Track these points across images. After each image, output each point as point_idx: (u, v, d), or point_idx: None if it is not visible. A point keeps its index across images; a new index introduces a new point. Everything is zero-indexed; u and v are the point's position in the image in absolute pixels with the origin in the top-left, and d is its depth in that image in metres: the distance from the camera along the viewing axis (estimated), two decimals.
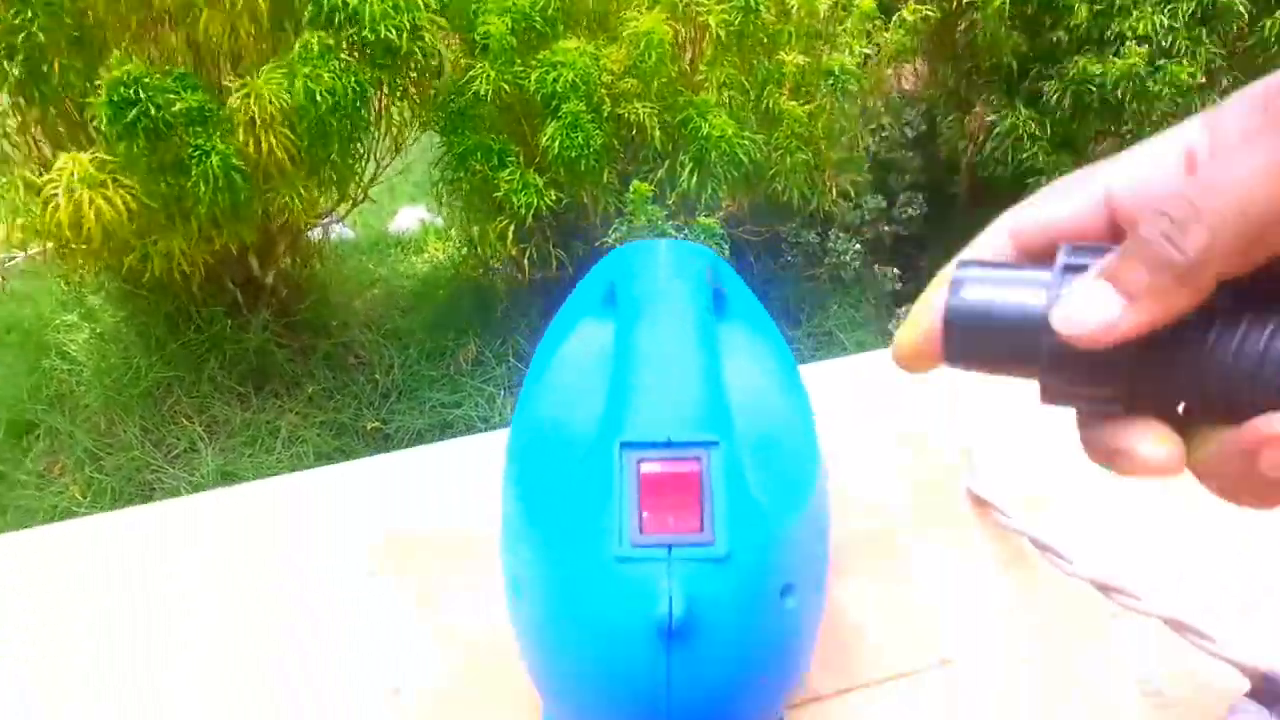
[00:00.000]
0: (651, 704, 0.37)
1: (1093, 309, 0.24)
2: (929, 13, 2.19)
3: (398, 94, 1.86)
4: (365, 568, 0.58)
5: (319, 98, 1.57)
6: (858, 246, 2.50)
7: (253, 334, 2.05)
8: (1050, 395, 0.26)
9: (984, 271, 0.27)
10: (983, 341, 0.26)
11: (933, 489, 0.64)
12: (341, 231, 3.02)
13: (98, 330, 2.13)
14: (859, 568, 0.58)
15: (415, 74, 1.79)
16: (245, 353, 2.06)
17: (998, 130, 2.29)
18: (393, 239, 3.17)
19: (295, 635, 0.55)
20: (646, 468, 0.37)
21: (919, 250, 2.65)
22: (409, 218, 3.36)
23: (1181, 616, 0.50)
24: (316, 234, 2.36)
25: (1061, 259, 0.25)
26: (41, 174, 1.52)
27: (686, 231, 1.71)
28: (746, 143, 1.80)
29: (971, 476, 0.64)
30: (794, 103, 1.93)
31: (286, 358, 2.10)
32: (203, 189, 1.50)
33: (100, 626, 0.55)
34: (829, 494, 0.45)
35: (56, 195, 1.44)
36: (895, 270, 2.57)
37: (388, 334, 2.31)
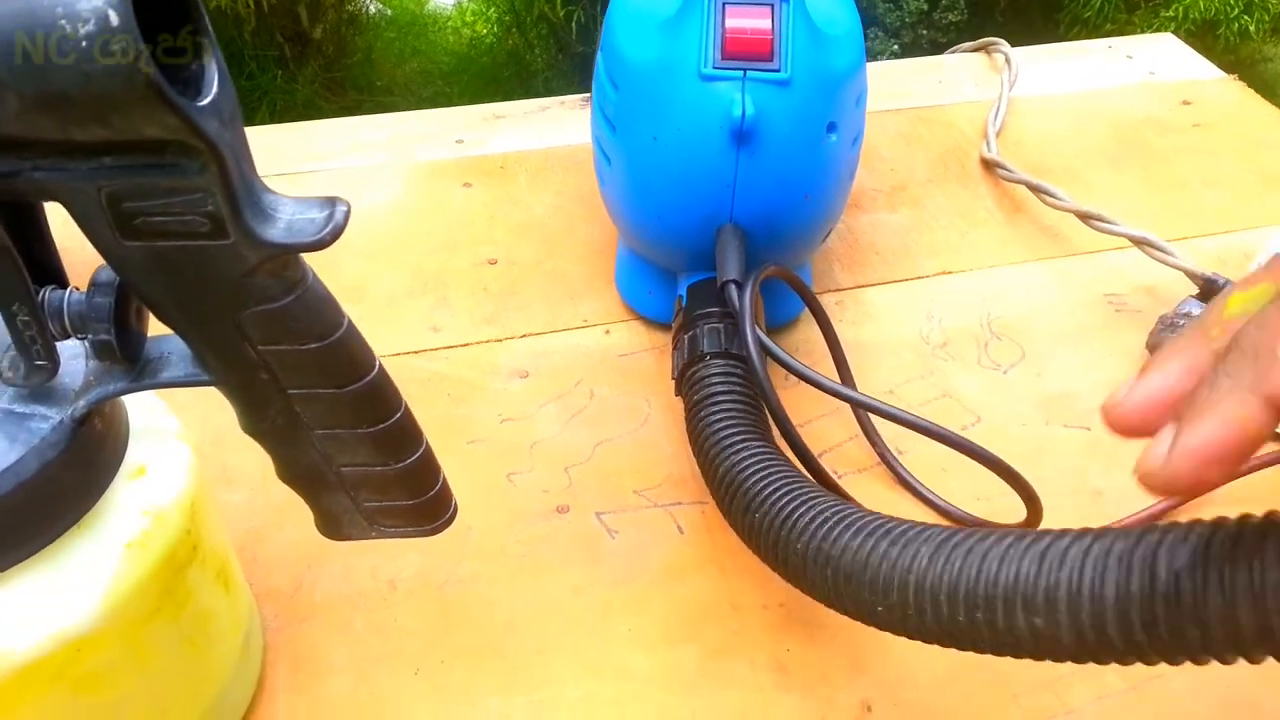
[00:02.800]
0: (720, 198, 0.48)
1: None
2: None
3: None
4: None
5: None
6: (895, 47, 2.52)
7: (301, 86, 2.12)
8: None
9: None
10: None
11: (948, 155, 0.74)
12: (376, 8, 3.03)
13: None
14: (878, 205, 0.69)
15: None
16: (294, 104, 2.14)
17: None
18: (429, 18, 3.18)
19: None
20: (731, 8, 0.46)
21: None
22: None
23: (1147, 236, 0.61)
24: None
25: None
26: None
27: None
28: None
29: (985, 146, 0.74)
30: None
31: (331, 113, 2.18)
32: None
33: None
34: (866, 96, 0.54)
35: None
36: None
37: (428, 100, 2.37)
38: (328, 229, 0.25)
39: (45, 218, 0.27)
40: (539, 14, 2.01)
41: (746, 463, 0.41)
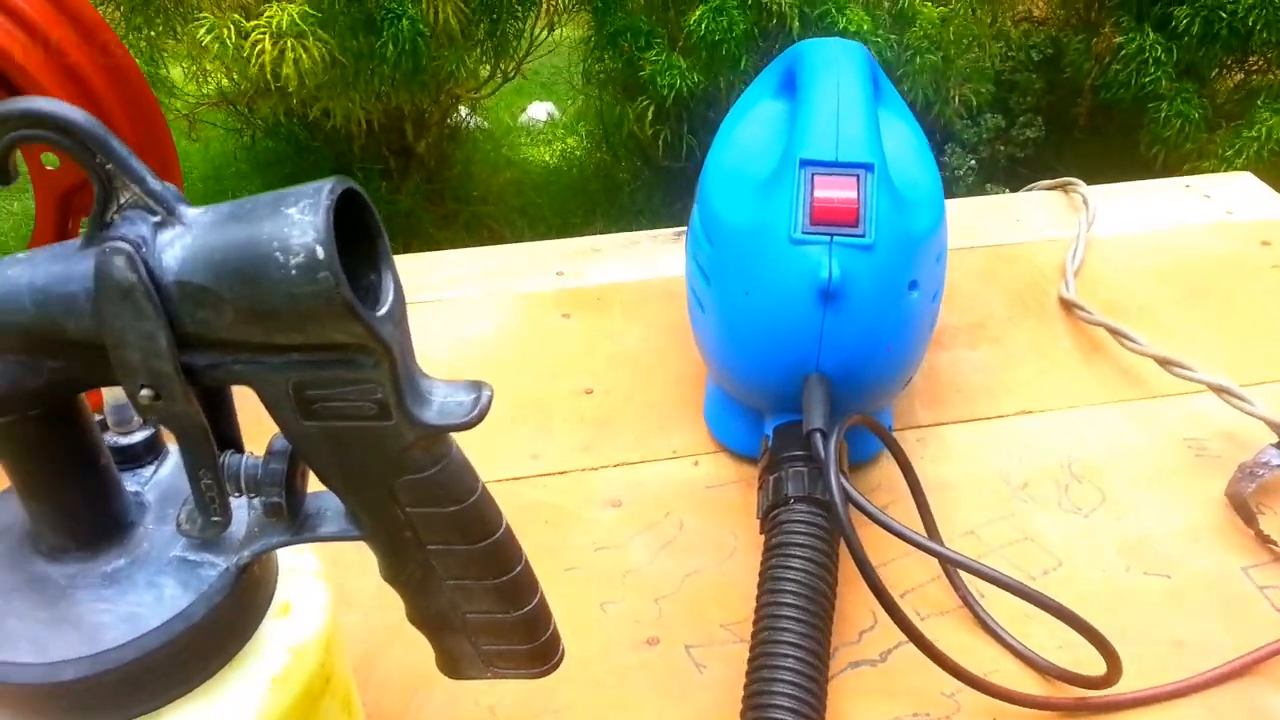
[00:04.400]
0: (807, 350, 0.52)
1: None
2: None
3: None
4: None
5: None
6: (973, 163, 2.56)
7: (404, 197, 2.25)
8: None
9: None
10: None
11: (1026, 293, 0.77)
12: (475, 122, 3.19)
13: (268, 181, 2.36)
14: (958, 342, 0.71)
15: None
16: (397, 213, 2.26)
17: (1124, 52, 2.31)
18: (521, 129, 3.34)
19: None
20: (819, 178, 0.50)
21: (1033, 173, 2.69)
22: (538, 111, 3.52)
23: (1226, 384, 0.62)
24: (462, 113, 2.52)
25: None
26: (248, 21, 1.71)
27: None
28: (879, 40, 1.89)
29: (1064, 285, 0.76)
30: (929, 4, 2.00)
31: (431, 222, 2.30)
32: (390, 50, 1.68)
33: None
34: (947, 252, 0.58)
35: (263, 40, 1.63)
36: (1007, 190, 2.62)
37: (519, 210, 2.48)
38: (474, 411, 0.29)
39: (231, 396, 0.31)
40: (628, 132, 2.11)
41: (773, 658, 0.44)
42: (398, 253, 0.79)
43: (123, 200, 0.27)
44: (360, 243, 0.28)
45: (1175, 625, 0.52)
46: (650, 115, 2.03)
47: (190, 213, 0.27)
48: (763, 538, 0.51)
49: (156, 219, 0.27)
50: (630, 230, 0.84)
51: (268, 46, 1.63)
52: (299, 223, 0.26)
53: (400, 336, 0.28)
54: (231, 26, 1.65)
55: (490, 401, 0.30)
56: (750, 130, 0.58)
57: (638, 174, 2.39)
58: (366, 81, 1.79)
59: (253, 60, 1.64)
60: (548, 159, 2.96)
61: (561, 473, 0.61)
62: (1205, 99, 2.38)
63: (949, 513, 0.58)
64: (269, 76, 1.65)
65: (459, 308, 0.75)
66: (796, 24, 1.89)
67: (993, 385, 0.68)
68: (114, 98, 0.49)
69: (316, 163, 2.26)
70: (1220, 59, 2.40)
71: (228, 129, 2.51)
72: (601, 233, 0.84)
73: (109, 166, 0.26)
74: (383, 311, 0.28)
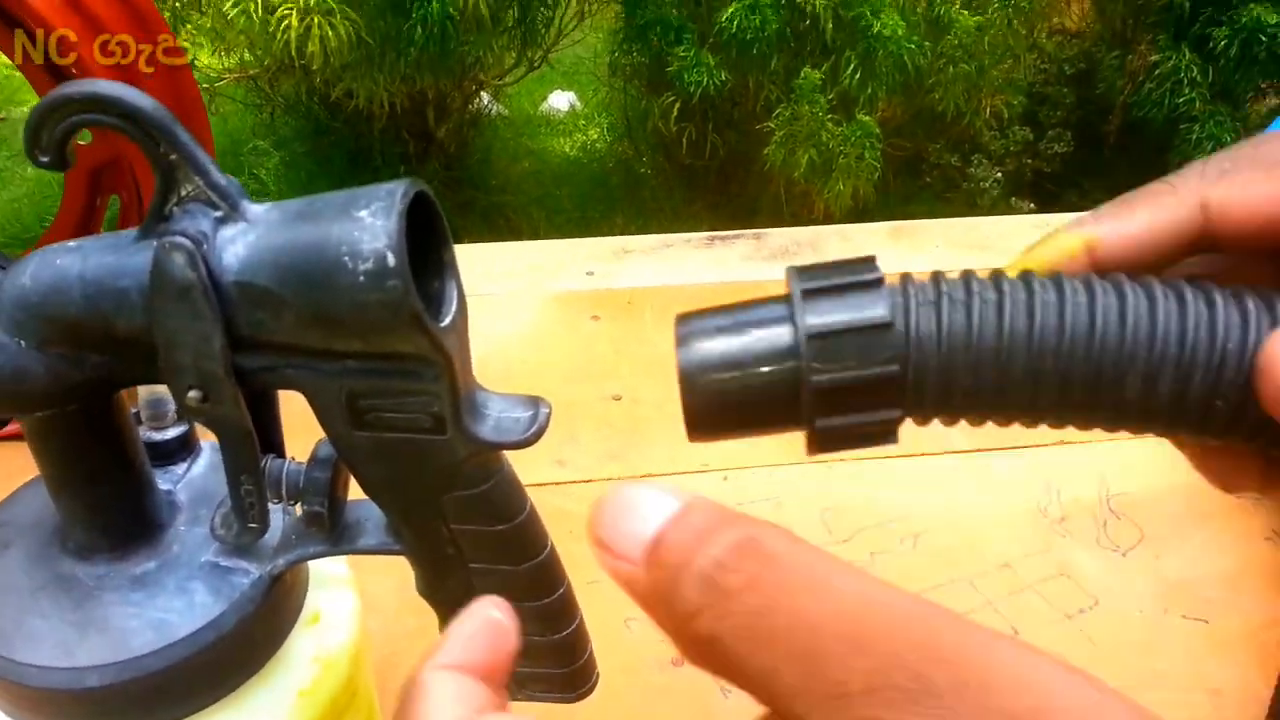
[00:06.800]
0: None
1: None
2: None
3: None
4: None
5: None
6: (999, 175, 2.54)
7: (423, 181, 2.23)
8: (823, 443, 0.23)
9: (711, 320, 0.23)
10: (733, 399, 0.23)
11: None
12: (496, 109, 3.17)
13: (286, 158, 2.35)
14: None
15: None
16: None
17: (1158, 70, 2.29)
18: (541, 119, 3.32)
19: None
20: None
21: (1059, 187, 2.68)
22: (559, 100, 3.49)
23: None
24: (484, 100, 2.51)
25: (795, 285, 0.22)
26: None
27: (844, 126, 1.80)
28: (913, 47, 1.87)
29: None
30: (965, 12, 1.99)
31: (449, 209, 2.26)
32: (419, 32, 1.66)
33: None
34: None
35: (290, 16, 1.61)
36: (1032, 205, 2.60)
37: (538, 201, 2.46)
38: (532, 429, 0.28)
39: (278, 399, 0.30)
40: (652, 128, 2.09)
41: None
42: None
43: (184, 192, 0.25)
44: (426, 248, 0.27)
45: (1213, 673, 0.51)
46: (676, 111, 2.02)
47: (254, 209, 0.26)
48: None
49: (218, 214, 0.25)
50: (650, 226, 0.83)
51: (294, 23, 1.61)
52: (370, 226, 0.24)
53: (461, 349, 0.27)
54: (259, 2, 1.63)
55: (548, 419, 0.29)
56: None
57: (660, 170, 2.37)
58: (392, 63, 1.77)
59: (278, 36, 1.62)
60: (567, 150, 2.94)
61: (588, 481, 0.59)
62: (1238, 123, 2.36)
63: (984, 544, 0.56)
64: (294, 53, 1.63)
65: (486, 304, 0.74)
66: (830, 26, 1.87)
67: None
68: (161, 90, 0.47)
69: (335, 143, 2.24)
70: (1256, 83, 2.37)
71: (247, 104, 2.50)
72: (621, 228, 0.83)
73: (173, 157, 0.25)
74: (446, 322, 0.26)
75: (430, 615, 0.34)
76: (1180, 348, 0.21)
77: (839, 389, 0.22)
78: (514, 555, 0.31)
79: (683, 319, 0.23)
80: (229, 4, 1.65)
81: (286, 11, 1.62)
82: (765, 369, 0.22)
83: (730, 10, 1.80)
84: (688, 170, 2.22)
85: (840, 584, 0.15)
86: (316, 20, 1.61)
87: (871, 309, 0.22)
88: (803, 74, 1.78)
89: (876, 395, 0.22)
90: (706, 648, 0.16)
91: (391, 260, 0.24)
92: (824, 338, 0.21)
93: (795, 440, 0.23)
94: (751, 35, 1.78)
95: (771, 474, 0.60)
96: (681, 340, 0.23)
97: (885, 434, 0.22)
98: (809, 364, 0.22)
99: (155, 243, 0.25)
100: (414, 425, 0.27)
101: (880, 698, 0.14)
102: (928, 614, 0.14)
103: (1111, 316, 0.21)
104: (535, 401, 0.29)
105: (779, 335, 0.22)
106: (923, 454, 0.61)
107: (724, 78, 1.87)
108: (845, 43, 1.90)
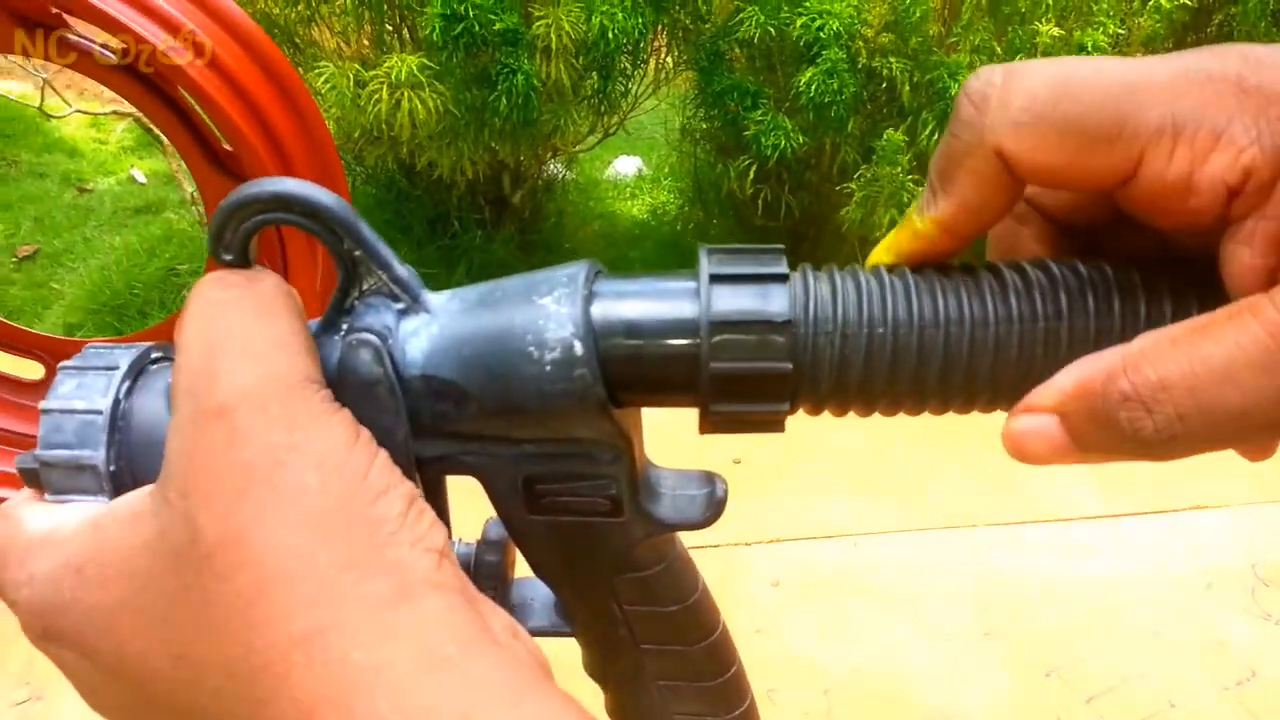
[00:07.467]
0: None
1: (1042, 444, 0.23)
2: (1187, 2, 2.17)
3: (678, 34, 2.01)
4: None
5: (610, 35, 1.74)
6: None
7: (499, 246, 2.27)
8: (715, 425, 0.24)
9: (623, 284, 0.25)
10: (638, 364, 0.24)
11: None
12: (567, 175, 3.23)
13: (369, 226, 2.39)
14: None
15: (688, 18, 1.94)
16: (491, 263, 2.28)
17: None
18: (609, 183, 3.36)
19: None
20: None
21: None
22: (627, 165, 3.54)
23: None
24: (555, 167, 2.56)
25: (706, 267, 0.24)
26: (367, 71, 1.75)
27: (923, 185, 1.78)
28: None
29: None
30: None
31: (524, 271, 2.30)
32: (503, 103, 1.70)
33: None
34: None
35: (380, 90, 1.66)
36: None
37: (610, 263, 2.48)
38: (710, 510, 0.28)
39: (446, 481, 0.30)
40: (726, 191, 2.10)
41: None
42: None
43: (365, 286, 0.25)
44: None
45: None
46: (752, 174, 2.03)
47: (434, 300, 0.26)
48: None
49: (400, 306, 0.25)
50: None
51: (384, 96, 1.66)
52: (555, 315, 0.24)
53: (636, 429, 0.27)
54: (350, 76, 1.68)
55: (725, 496, 0.28)
56: None
57: (731, 232, 2.38)
58: (476, 133, 1.81)
59: (368, 109, 1.67)
60: (635, 213, 2.97)
61: (714, 546, 0.59)
62: None
63: (1130, 611, 0.54)
64: (383, 125, 1.68)
65: None
66: (907, 89, 1.88)
67: (1160, 474, 0.64)
68: (288, 126, 0.48)
69: (415, 210, 2.29)
70: None
71: None
72: None
73: (357, 253, 0.25)
74: (624, 405, 0.26)
75: None
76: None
77: (735, 378, 0.23)
78: (687, 636, 0.30)
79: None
80: (321, 80, 1.71)
81: (377, 86, 1.67)
82: (668, 342, 0.23)
83: (808, 75, 1.81)
84: (760, 231, 2.22)
85: None
86: (406, 94, 1.66)
87: (774, 304, 0.23)
88: (885, 136, 1.79)
89: (770, 387, 0.23)
90: None
91: (579, 349, 0.23)
92: (726, 327, 0.23)
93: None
94: (830, 98, 1.79)
95: (898, 540, 0.59)
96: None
97: (774, 424, 0.24)
98: (708, 350, 0.23)
99: (339, 339, 0.25)
100: (591, 508, 0.27)
101: None
102: None
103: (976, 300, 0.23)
104: (710, 478, 0.29)
105: (683, 310, 0.23)
106: (1056, 520, 0.60)
107: (801, 140, 1.88)
108: (922, 104, 1.90)
